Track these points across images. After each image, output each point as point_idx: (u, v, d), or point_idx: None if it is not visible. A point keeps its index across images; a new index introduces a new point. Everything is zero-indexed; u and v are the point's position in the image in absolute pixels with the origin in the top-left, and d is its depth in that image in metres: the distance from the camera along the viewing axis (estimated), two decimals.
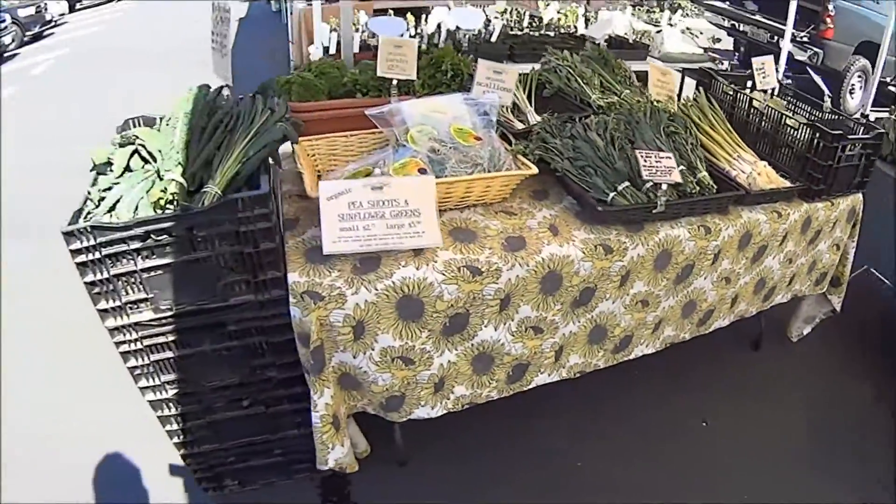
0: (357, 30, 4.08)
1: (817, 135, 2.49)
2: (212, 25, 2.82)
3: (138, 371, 1.78)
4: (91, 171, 1.82)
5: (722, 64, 4.20)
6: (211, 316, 1.72)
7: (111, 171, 1.79)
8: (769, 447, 2.58)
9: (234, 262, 1.66)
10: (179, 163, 1.67)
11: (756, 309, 2.74)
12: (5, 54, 11.98)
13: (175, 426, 1.93)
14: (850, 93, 6.90)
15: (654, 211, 2.13)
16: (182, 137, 1.72)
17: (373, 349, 1.82)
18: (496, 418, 2.44)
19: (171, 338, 1.73)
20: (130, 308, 1.67)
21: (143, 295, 1.66)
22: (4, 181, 5.75)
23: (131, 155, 1.79)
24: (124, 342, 1.71)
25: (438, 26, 3.86)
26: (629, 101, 2.48)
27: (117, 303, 1.65)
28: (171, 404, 1.87)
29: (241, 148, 1.72)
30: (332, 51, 3.73)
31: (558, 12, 4.34)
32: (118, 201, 1.65)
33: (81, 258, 1.57)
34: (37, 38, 13.61)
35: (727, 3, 7.96)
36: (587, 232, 2.09)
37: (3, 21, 12.06)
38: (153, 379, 1.80)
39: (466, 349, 1.97)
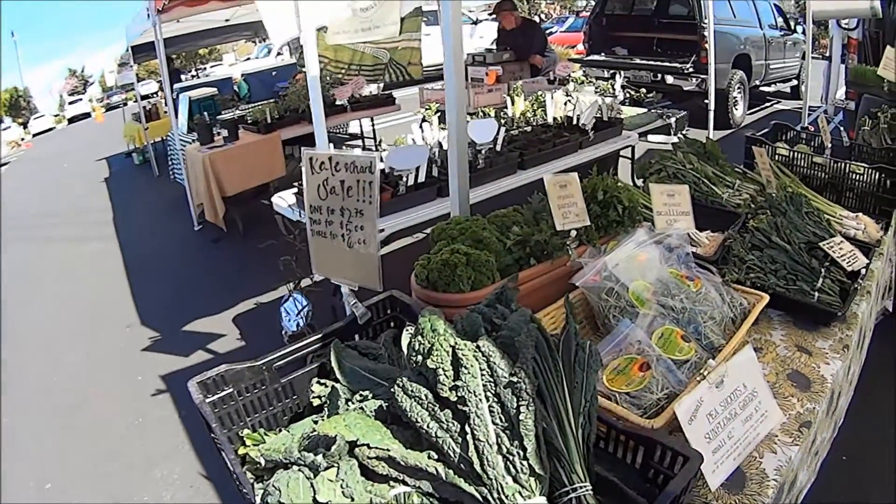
0: None
1: (883, 175, 2.69)
2: (311, 197, 1.84)
3: None
4: None
5: (671, 118, 4.38)
6: None
7: None
8: None
9: None
10: (534, 470, 1.07)
11: None
12: None
13: None
14: (735, 106, 7.62)
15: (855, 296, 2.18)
16: (529, 416, 1.09)
17: None
18: None
19: None
20: None
21: None
22: None
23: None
24: None
25: (440, 145, 3.54)
26: (753, 192, 2.43)
27: None
28: None
29: (570, 405, 1.19)
30: None
31: (529, 104, 4.24)
32: None
33: None
34: None
35: (602, 55, 8.48)
36: (823, 339, 2.05)
37: None
38: None
39: None
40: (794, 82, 9.99)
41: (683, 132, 5.23)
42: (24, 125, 31.38)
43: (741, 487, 1.49)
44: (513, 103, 4.25)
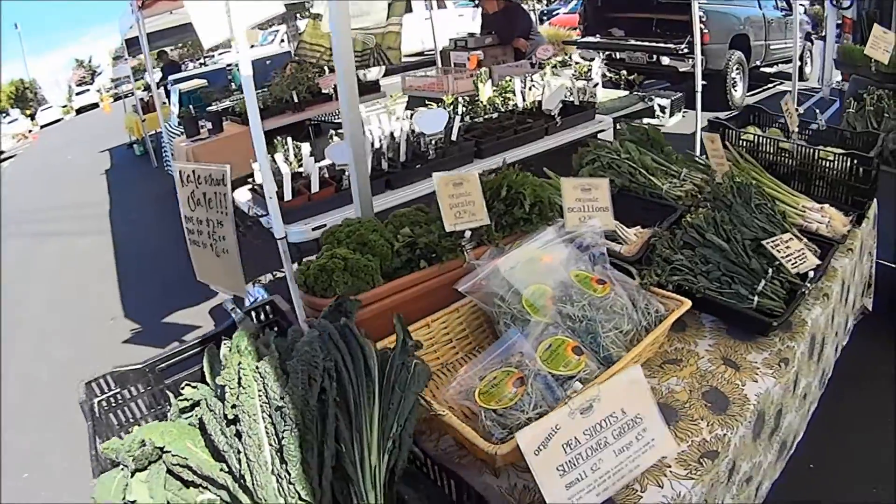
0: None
1: (855, 161, 2.46)
2: (184, 208, 1.93)
3: None
4: None
5: (652, 100, 4.13)
6: None
7: None
8: None
9: None
10: (300, 497, 1.05)
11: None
12: None
13: None
14: (734, 87, 7.39)
15: (801, 302, 1.95)
16: (292, 440, 1.07)
17: None
18: None
19: None
20: None
21: None
22: None
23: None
24: None
25: (392, 136, 3.38)
26: (700, 182, 2.19)
27: None
28: None
29: (379, 427, 1.14)
30: (288, 195, 3.10)
31: (495, 90, 4.03)
32: None
33: None
34: None
35: (597, 36, 8.20)
36: (758, 351, 1.83)
37: None
38: None
39: None
40: (798, 63, 9.50)
41: (681, 114, 4.98)
42: (32, 117, 31.70)
43: None
44: (477, 90, 4.05)
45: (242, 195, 4.25)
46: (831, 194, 2.55)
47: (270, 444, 1.08)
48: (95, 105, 30.80)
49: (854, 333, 2.90)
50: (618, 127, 2.63)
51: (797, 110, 3.14)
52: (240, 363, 1.17)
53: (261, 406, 1.12)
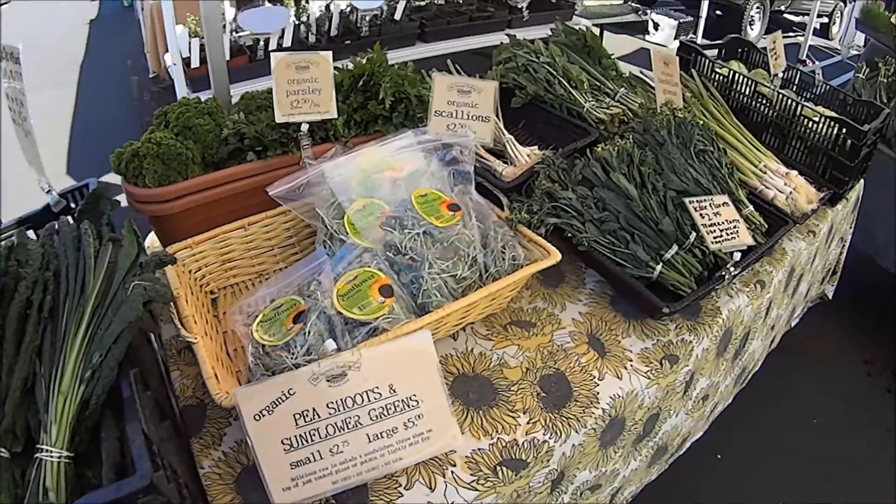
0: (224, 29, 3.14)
1: (843, 130, 1.96)
2: (5, 86, 1.82)
3: None
4: None
5: (645, 14, 3.62)
6: None
7: None
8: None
9: None
10: None
11: (780, 335, 2.34)
12: None
13: None
14: (751, 24, 6.92)
15: (718, 287, 1.55)
16: None
17: None
18: None
19: None
20: None
21: None
22: None
23: None
24: None
25: (328, 8, 2.93)
26: (637, 108, 1.75)
27: None
28: None
29: (80, 353, 0.98)
30: (195, 62, 2.85)
31: None
32: None
33: None
34: None
35: None
36: (640, 336, 1.46)
37: None
38: None
39: None
40: (826, 20, 8.74)
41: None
42: None
43: None
44: None
45: (169, 59, 3.93)
46: (808, 161, 2.08)
47: None
48: None
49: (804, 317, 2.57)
50: (556, 27, 2.12)
51: (803, 64, 2.65)
52: None
53: None
